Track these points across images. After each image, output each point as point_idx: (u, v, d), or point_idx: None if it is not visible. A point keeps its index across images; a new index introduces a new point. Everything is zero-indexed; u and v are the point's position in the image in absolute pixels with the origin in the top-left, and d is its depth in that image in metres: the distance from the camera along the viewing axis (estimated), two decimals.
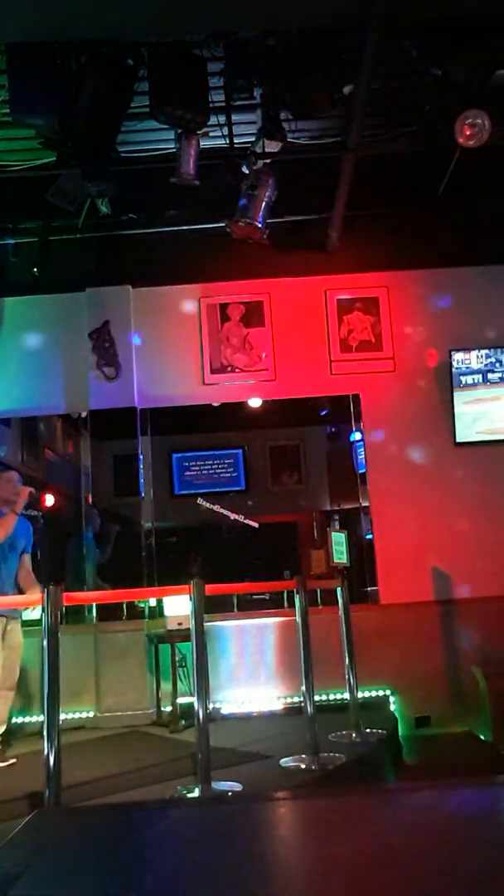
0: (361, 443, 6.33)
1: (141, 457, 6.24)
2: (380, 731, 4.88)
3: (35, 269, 6.18)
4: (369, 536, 6.20)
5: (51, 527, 6.46)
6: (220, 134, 5.28)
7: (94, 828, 2.32)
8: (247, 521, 7.38)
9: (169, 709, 5.46)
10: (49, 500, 6.96)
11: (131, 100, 4.80)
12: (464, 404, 6.14)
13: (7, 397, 6.25)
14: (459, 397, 6.13)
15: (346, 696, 4.96)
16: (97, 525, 6.21)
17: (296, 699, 5.39)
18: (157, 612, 5.81)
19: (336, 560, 6.16)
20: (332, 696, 5.45)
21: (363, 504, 6.31)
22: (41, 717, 3.27)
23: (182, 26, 4.43)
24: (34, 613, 4.76)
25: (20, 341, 6.33)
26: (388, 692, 5.75)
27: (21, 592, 4.77)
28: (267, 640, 5.87)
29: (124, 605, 5.99)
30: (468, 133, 4.78)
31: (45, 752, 3.13)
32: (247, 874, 1.77)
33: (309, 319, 6.37)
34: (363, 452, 6.31)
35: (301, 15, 4.30)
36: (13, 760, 4.47)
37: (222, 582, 6.67)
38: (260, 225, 5.36)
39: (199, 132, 4.95)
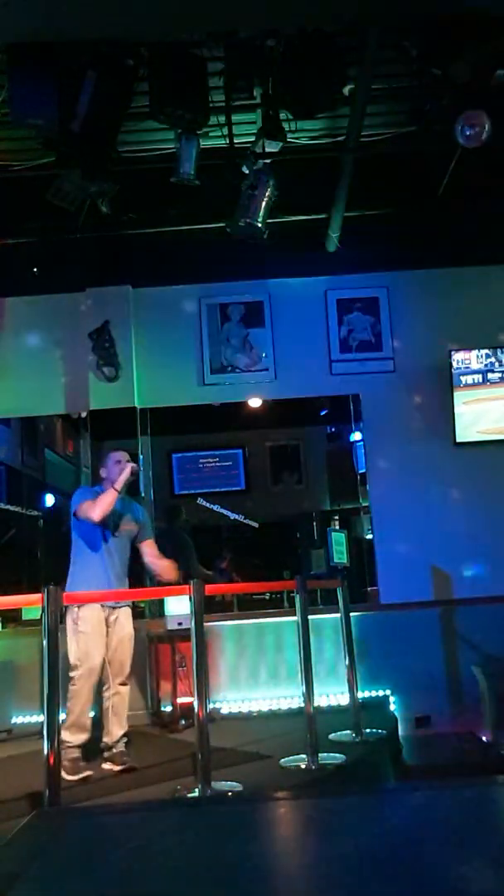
0: (361, 443, 6.33)
1: (141, 457, 6.24)
2: (380, 731, 4.88)
3: (35, 269, 6.18)
4: (369, 536, 6.20)
5: (51, 527, 6.47)
6: (220, 134, 5.28)
7: (94, 828, 2.32)
8: (247, 521, 7.39)
9: (169, 709, 5.46)
10: (49, 500, 6.97)
11: (131, 100, 4.80)
12: (464, 404, 6.14)
13: (7, 397, 6.25)
14: (459, 397, 6.13)
15: (346, 696, 4.96)
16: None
17: (296, 699, 5.39)
18: (158, 611, 5.82)
19: (336, 560, 6.17)
20: (332, 696, 5.45)
21: (363, 504, 6.31)
22: (41, 717, 3.27)
23: (182, 26, 4.43)
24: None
25: (20, 341, 6.33)
26: (388, 692, 5.75)
27: (155, 576, 4.58)
28: (267, 640, 5.87)
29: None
30: (468, 133, 4.78)
31: (45, 752, 3.13)
32: (247, 874, 1.77)
33: (309, 319, 6.37)
34: (363, 452, 6.31)
35: (301, 15, 4.29)
36: (134, 765, 4.22)
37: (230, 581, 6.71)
38: (260, 225, 5.35)
39: (199, 132, 4.95)
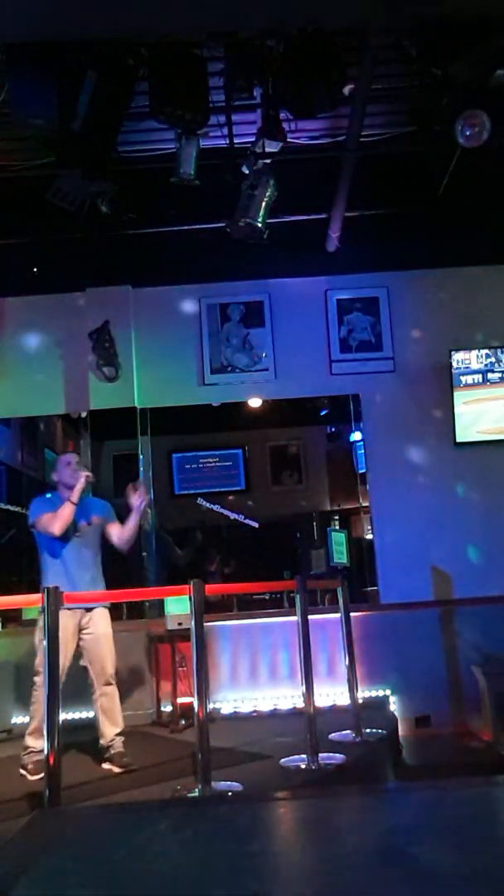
0: (361, 443, 6.33)
1: (141, 457, 6.24)
2: (380, 731, 4.88)
3: (35, 269, 6.18)
4: (369, 536, 6.20)
5: None
6: (220, 134, 5.28)
7: (94, 828, 2.32)
8: (247, 521, 7.38)
9: (169, 709, 5.46)
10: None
11: (131, 100, 4.80)
12: (464, 404, 6.14)
13: (7, 397, 6.25)
14: (459, 397, 6.13)
15: (346, 696, 4.96)
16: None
17: (296, 699, 5.39)
18: (158, 611, 5.82)
19: (336, 560, 6.17)
20: (332, 696, 5.45)
21: (363, 504, 6.31)
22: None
23: (182, 26, 4.42)
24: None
25: (20, 341, 6.33)
26: (388, 692, 5.75)
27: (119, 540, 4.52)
28: (267, 640, 5.87)
29: (124, 605, 5.99)
30: (468, 133, 4.78)
31: (45, 752, 3.13)
32: (247, 874, 1.77)
33: (309, 319, 6.37)
34: (363, 452, 6.31)
35: (301, 15, 4.29)
36: (135, 767, 4.18)
37: (224, 581, 6.71)
38: (260, 225, 5.35)
39: (199, 132, 4.95)
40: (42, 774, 3.90)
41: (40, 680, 4.12)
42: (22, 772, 4.11)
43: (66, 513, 4.35)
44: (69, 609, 4.15)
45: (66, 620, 4.11)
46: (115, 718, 4.32)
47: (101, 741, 4.29)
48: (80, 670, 4.34)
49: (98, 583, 4.45)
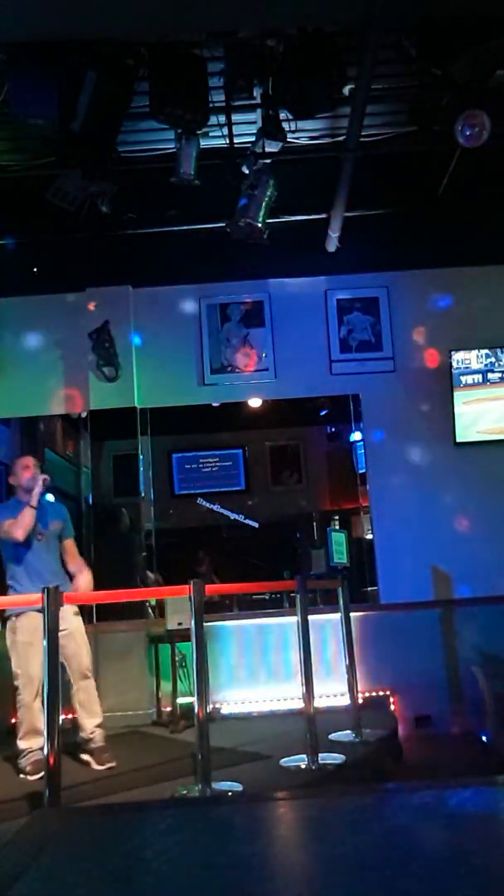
0: (361, 443, 6.33)
1: (141, 457, 6.24)
2: (380, 731, 4.88)
3: (35, 269, 6.18)
4: (369, 536, 6.20)
5: None
6: (220, 134, 5.28)
7: (94, 828, 2.32)
8: (247, 521, 7.38)
9: (169, 709, 5.46)
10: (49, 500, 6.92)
11: (131, 100, 4.80)
12: (464, 404, 6.14)
13: (7, 397, 6.25)
14: (459, 397, 6.13)
15: (346, 696, 4.96)
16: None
17: (296, 699, 5.39)
18: (158, 611, 5.82)
19: (336, 560, 6.17)
20: (332, 696, 5.45)
21: (363, 504, 6.31)
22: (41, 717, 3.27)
23: (182, 26, 4.42)
24: None
25: (20, 341, 6.33)
26: (388, 692, 5.75)
27: (72, 578, 4.53)
28: (267, 640, 5.87)
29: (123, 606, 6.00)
30: (468, 133, 4.78)
31: (45, 752, 3.13)
32: (247, 874, 1.77)
33: (309, 319, 6.37)
34: (363, 452, 6.31)
35: (301, 15, 4.29)
36: (112, 764, 4.19)
37: (224, 581, 6.71)
38: (260, 225, 5.35)
39: (199, 132, 4.95)
40: (41, 773, 3.93)
41: (20, 682, 4.19)
42: (21, 775, 4.11)
43: (26, 518, 4.35)
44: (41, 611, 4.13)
45: (38, 622, 4.00)
46: (93, 710, 4.31)
47: (81, 734, 4.28)
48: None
49: (65, 585, 4.43)
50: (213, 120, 5.04)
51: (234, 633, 5.89)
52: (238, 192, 5.35)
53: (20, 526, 4.33)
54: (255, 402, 6.45)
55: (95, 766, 4.16)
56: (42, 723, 4.11)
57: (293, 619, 4.40)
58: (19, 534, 4.33)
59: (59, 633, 4.23)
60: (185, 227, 6.25)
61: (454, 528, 6.04)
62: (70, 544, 4.67)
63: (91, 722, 4.28)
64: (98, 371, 6.14)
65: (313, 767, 4.05)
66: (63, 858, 2.00)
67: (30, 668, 4.16)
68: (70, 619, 4.34)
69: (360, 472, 6.36)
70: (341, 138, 5.27)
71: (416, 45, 4.58)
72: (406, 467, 6.18)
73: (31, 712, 4.13)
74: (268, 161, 5.24)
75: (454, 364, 6.14)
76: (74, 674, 4.28)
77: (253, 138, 5.21)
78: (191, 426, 7.03)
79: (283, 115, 5.00)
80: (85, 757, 4.23)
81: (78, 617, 4.44)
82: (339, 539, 6.24)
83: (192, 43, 4.62)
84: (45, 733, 3.17)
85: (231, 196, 5.40)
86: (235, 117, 5.28)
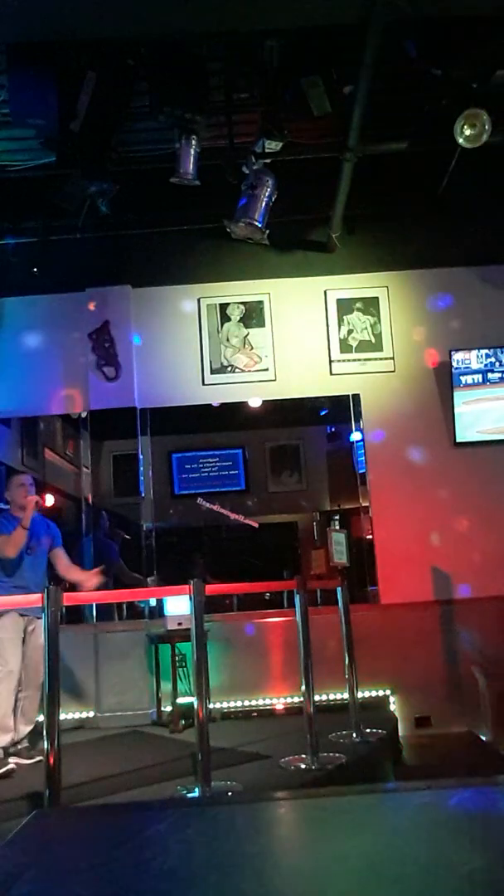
0: (361, 443, 6.33)
1: (141, 457, 6.24)
2: (380, 731, 4.88)
3: (35, 269, 6.18)
4: (369, 536, 6.19)
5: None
6: (220, 134, 5.28)
7: (94, 828, 2.32)
8: (247, 521, 7.38)
9: (169, 709, 5.46)
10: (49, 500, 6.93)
11: (131, 100, 4.80)
12: (464, 404, 6.14)
13: (7, 397, 6.25)
14: (459, 397, 6.13)
15: (346, 696, 4.96)
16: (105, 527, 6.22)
17: (296, 699, 5.39)
18: (158, 612, 5.81)
19: (336, 560, 6.16)
20: (332, 696, 5.45)
21: (363, 504, 6.30)
22: (41, 717, 3.27)
23: (182, 26, 4.43)
24: None
25: (20, 341, 6.33)
26: (388, 692, 5.75)
27: (68, 584, 4.73)
28: (267, 639, 5.87)
29: (124, 605, 6.00)
30: (468, 133, 4.78)
31: (45, 752, 3.13)
32: (247, 874, 1.77)
33: (309, 319, 6.37)
34: (363, 452, 6.31)
35: (301, 15, 4.29)
36: (40, 758, 4.33)
37: (223, 582, 6.70)
38: (260, 225, 5.36)
39: (199, 132, 4.95)
40: (3, 769, 4.17)
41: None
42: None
43: (18, 538, 4.57)
44: (22, 615, 4.49)
45: (18, 625, 4.48)
46: (32, 718, 4.56)
47: (12, 736, 4.43)
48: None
49: None
50: (213, 120, 5.04)
51: (234, 633, 5.88)
52: (238, 192, 5.35)
53: (12, 544, 4.56)
54: (255, 402, 6.44)
55: (24, 762, 4.32)
56: (11, 719, 4.40)
57: (293, 619, 4.39)
58: (11, 552, 4.56)
59: (30, 643, 4.54)
60: (185, 227, 6.25)
61: (454, 528, 6.04)
62: (60, 553, 4.85)
63: (25, 729, 4.54)
64: (98, 371, 6.14)
65: (313, 767, 4.04)
66: (63, 858, 2.00)
67: (7, 664, 4.41)
68: (41, 634, 4.40)
69: (360, 472, 6.35)
70: (341, 138, 5.27)
71: (416, 45, 4.58)
72: (406, 467, 6.18)
73: (2, 706, 4.36)
74: (268, 161, 5.25)
75: (454, 364, 6.14)
76: (29, 683, 4.52)
77: (253, 138, 5.21)
78: (191, 426, 7.02)
79: (283, 115, 5.01)
80: (13, 760, 4.35)
81: None
82: (339, 539, 6.22)
83: (192, 43, 4.62)
84: (45, 733, 3.16)
85: (231, 196, 5.41)
86: (235, 117, 5.29)
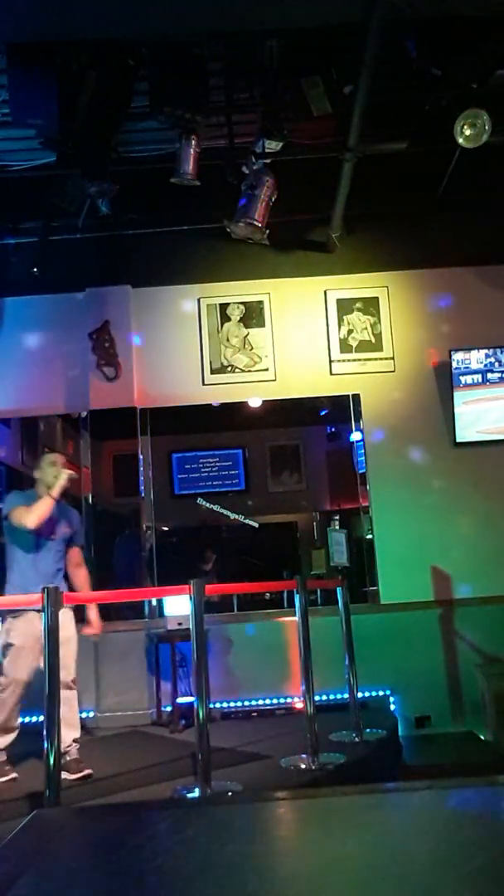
0: (361, 443, 6.33)
1: (141, 457, 6.24)
2: (380, 731, 4.88)
3: (35, 269, 6.18)
4: (369, 536, 6.20)
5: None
6: (220, 134, 5.28)
7: (94, 828, 2.32)
8: (247, 521, 7.37)
9: (169, 709, 5.46)
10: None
11: (131, 100, 4.80)
12: (464, 404, 6.14)
13: (7, 397, 6.25)
14: (459, 397, 6.13)
15: (346, 696, 4.96)
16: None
17: (296, 699, 5.39)
18: (158, 611, 5.82)
19: (336, 560, 6.16)
20: (332, 696, 5.45)
21: (363, 504, 6.31)
22: (41, 717, 3.27)
23: (182, 26, 4.43)
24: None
25: (20, 341, 6.33)
26: (388, 692, 5.75)
27: (71, 587, 4.41)
28: (267, 639, 5.87)
29: (124, 606, 5.99)
30: (468, 133, 4.79)
31: (45, 752, 3.13)
32: (247, 874, 1.77)
33: (309, 319, 6.37)
34: (363, 452, 6.31)
35: (301, 15, 4.29)
36: (89, 772, 4.04)
37: (223, 582, 6.70)
38: (260, 225, 5.36)
39: (199, 132, 4.95)
40: (6, 777, 3.98)
41: (6, 680, 4.08)
42: None
43: (43, 507, 4.22)
44: (40, 612, 3.98)
45: (35, 627, 4.00)
46: (72, 722, 4.15)
47: (13, 738, 4.15)
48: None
49: (63, 584, 4.36)
50: (213, 120, 5.04)
51: (234, 633, 5.88)
52: (238, 192, 5.35)
53: (35, 513, 4.19)
54: (255, 402, 6.44)
55: (70, 777, 3.91)
56: (16, 722, 4.12)
57: (293, 619, 4.39)
58: (32, 521, 4.18)
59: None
60: (185, 227, 6.25)
61: (454, 529, 6.04)
62: (77, 553, 4.55)
63: (69, 735, 4.06)
64: (98, 371, 6.14)
65: (313, 767, 4.04)
66: (63, 858, 2.00)
67: (17, 672, 4.08)
68: (68, 627, 4.23)
69: (360, 472, 6.35)
70: (341, 138, 5.28)
71: (416, 45, 4.58)
72: (406, 467, 6.18)
73: (6, 710, 4.07)
74: (268, 161, 5.25)
75: (454, 364, 6.14)
76: (61, 681, 4.06)
77: (253, 138, 5.22)
78: (191, 426, 7.02)
79: (283, 115, 5.01)
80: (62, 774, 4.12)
81: (73, 624, 4.32)
82: (339, 539, 6.22)
83: (192, 43, 4.63)
84: (45, 733, 3.16)
85: (231, 196, 5.41)
86: (235, 117, 5.29)
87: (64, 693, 4.01)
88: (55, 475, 4.34)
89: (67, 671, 4.16)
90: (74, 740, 4.15)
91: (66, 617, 4.24)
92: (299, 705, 4.49)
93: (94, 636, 4.51)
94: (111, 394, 6.14)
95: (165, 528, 7.06)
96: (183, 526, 7.44)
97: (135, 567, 6.13)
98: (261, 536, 7.47)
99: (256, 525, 7.43)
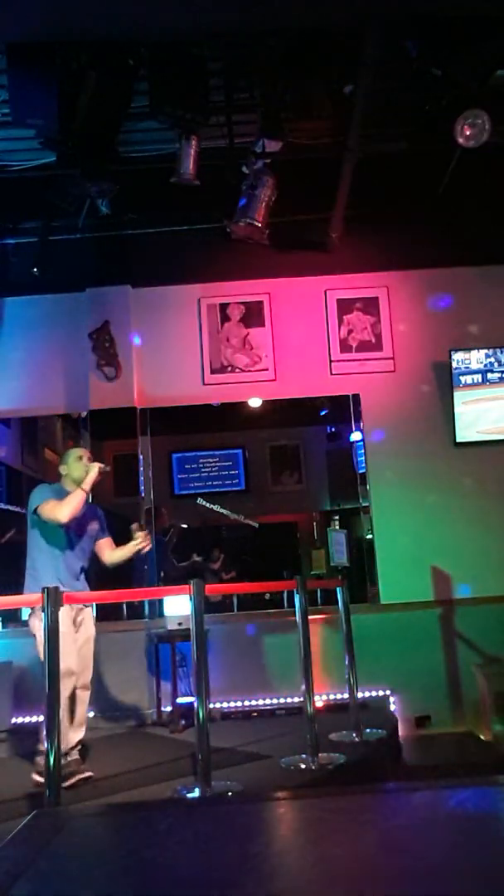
0: (361, 443, 6.33)
1: (141, 457, 6.24)
2: (380, 731, 4.88)
3: (35, 269, 6.18)
4: (369, 536, 6.20)
5: None
6: (220, 134, 5.28)
7: (94, 828, 2.32)
8: (247, 521, 7.38)
9: (169, 709, 5.46)
10: None
11: (131, 100, 4.80)
12: (464, 404, 6.14)
13: (7, 397, 6.25)
14: (459, 397, 6.13)
15: (346, 696, 4.96)
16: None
17: (296, 699, 5.38)
18: (158, 611, 5.82)
19: (336, 560, 6.17)
20: (332, 696, 5.45)
21: (363, 504, 6.31)
22: (41, 718, 3.27)
23: (182, 26, 4.43)
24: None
25: (20, 341, 6.33)
26: (388, 692, 5.75)
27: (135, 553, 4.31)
28: (267, 640, 5.87)
29: (124, 605, 5.99)
30: (468, 133, 4.78)
31: (46, 752, 3.13)
32: (246, 874, 1.77)
33: (309, 319, 6.37)
34: (363, 452, 6.31)
35: (301, 15, 4.29)
36: (90, 774, 3.96)
37: (223, 581, 6.72)
38: (260, 225, 5.36)
39: (199, 132, 4.95)
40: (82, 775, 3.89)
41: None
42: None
43: (76, 500, 4.08)
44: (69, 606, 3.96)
45: (65, 616, 3.87)
46: (82, 722, 4.11)
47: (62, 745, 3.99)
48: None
49: (86, 583, 4.33)
50: (213, 120, 5.04)
51: (234, 633, 5.88)
52: (238, 192, 5.35)
53: (68, 506, 4.04)
54: (255, 402, 6.45)
55: (68, 781, 3.79)
56: (81, 716, 4.03)
57: (293, 619, 4.39)
58: (65, 515, 4.04)
59: (80, 635, 4.14)
60: (185, 227, 6.25)
61: (454, 529, 6.04)
62: (108, 542, 4.43)
63: (76, 736, 4.04)
64: (98, 371, 6.14)
65: (313, 767, 4.05)
66: (63, 858, 2.00)
67: (66, 659, 3.70)
68: (89, 625, 4.21)
69: (360, 472, 6.35)
70: (341, 138, 5.28)
71: (416, 45, 4.58)
72: (406, 467, 6.18)
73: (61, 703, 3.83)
74: (268, 161, 5.25)
75: (454, 364, 6.14)
76: (77, 683, 4.03)
77: (253, 138, 5.21)
78: (191, 426, 7.03)
79: (283, 115, 5.01)
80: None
81: (94, 623, 4.29)
82: (339, 539, 6.23)
83: (192, 43, 4.62)
84: (45, 733, 3.16)
85: (231, 196, 5.41)
86: (235, 117, 5.29)
87: (80, 693, 4.07)
88: (85, 468, 4.22)
89: (86, 671, 4.15)
90: (79, 742, 4.11)
91: (89, 615, 4.26)
92: (299, 705, 4.48)
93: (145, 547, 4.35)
94: (111, 394, 6.14)
95: (184, 526, 7.08)
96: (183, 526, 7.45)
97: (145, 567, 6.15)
98: (261, 536, 7.48)
99: (256, 525, 7.44)
